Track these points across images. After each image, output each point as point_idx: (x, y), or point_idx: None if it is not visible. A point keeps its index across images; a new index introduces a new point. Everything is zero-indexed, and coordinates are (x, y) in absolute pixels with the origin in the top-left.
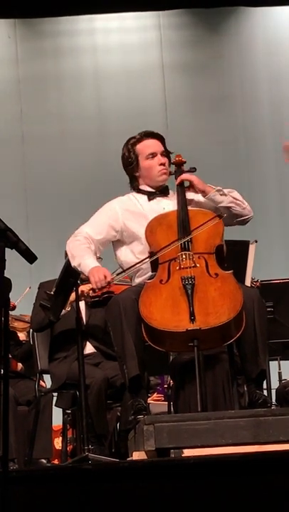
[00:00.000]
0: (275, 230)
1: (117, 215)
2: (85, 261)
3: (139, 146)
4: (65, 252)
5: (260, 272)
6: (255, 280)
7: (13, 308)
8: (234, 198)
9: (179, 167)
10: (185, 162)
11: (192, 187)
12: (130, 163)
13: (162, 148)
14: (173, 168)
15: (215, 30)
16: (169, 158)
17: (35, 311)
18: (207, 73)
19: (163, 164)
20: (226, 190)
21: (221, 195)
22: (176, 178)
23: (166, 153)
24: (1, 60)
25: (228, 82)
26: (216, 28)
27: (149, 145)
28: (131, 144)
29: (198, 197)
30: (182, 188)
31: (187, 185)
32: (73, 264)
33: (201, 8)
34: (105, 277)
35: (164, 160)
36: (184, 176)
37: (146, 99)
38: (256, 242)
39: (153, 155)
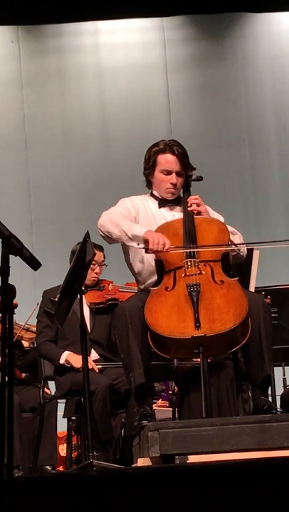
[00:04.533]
0: (279, 233)
1: (138, 208)
2: (136, 226)
3: (159, 157)
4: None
5: (264, 278)
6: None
7: (15, 306)
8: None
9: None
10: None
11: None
12: (147, 168)
13: (179, 168)
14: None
15: (219, 34)
16: (187, 176)
17: (39, 337)
18: (211, 77)
19: (174, 184)
20: (229, 228)
21: None
22: (183, 195)
23: (182, 173)
24: (4, 65)
25: (232, 85)
26: (220, 32)
27: (169, 161)
28: (154, 151)
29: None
30: (188, 196)
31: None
32: (117, 232)
33: (204, 14)
34: (164, 245)
35: (176, 180)
36: (194, 205)
37: (149, 104)
38: None
39: (168, 172)
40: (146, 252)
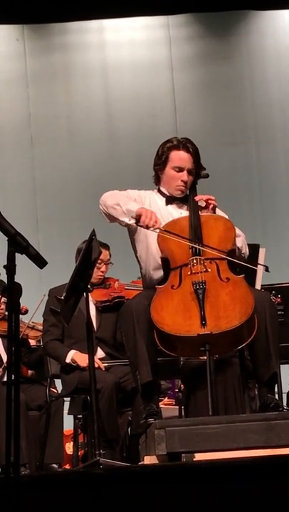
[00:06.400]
0: (285, 231)
1: (144, 202)
2: (132, 202)
3: (172, 154)
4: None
5: (270, 275)
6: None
7: (25, 312)
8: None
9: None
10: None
11: (207, 207)
12: (158, 164)
13: (191, 166)
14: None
15: (224, 32)
16: (197, 175)
17: (45, 336)
18: (216, 75)
19: (184, 182)
20: (237, 231)
21: None
22: (189, 193)
23: (193, 172)
24: (9, 63)
25: (237, 82)
26: (225, 30)
27: (182, 158)
28: (167, 147)
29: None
30: (194, 194)
31: (203, 205)
32: (113, 204)
33: (209, 12)
34: (156, 222)
35: (187, 178)
36: (209, 199)
37: (154, 102)
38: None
39: (180, 169)
40: (137, 224)
